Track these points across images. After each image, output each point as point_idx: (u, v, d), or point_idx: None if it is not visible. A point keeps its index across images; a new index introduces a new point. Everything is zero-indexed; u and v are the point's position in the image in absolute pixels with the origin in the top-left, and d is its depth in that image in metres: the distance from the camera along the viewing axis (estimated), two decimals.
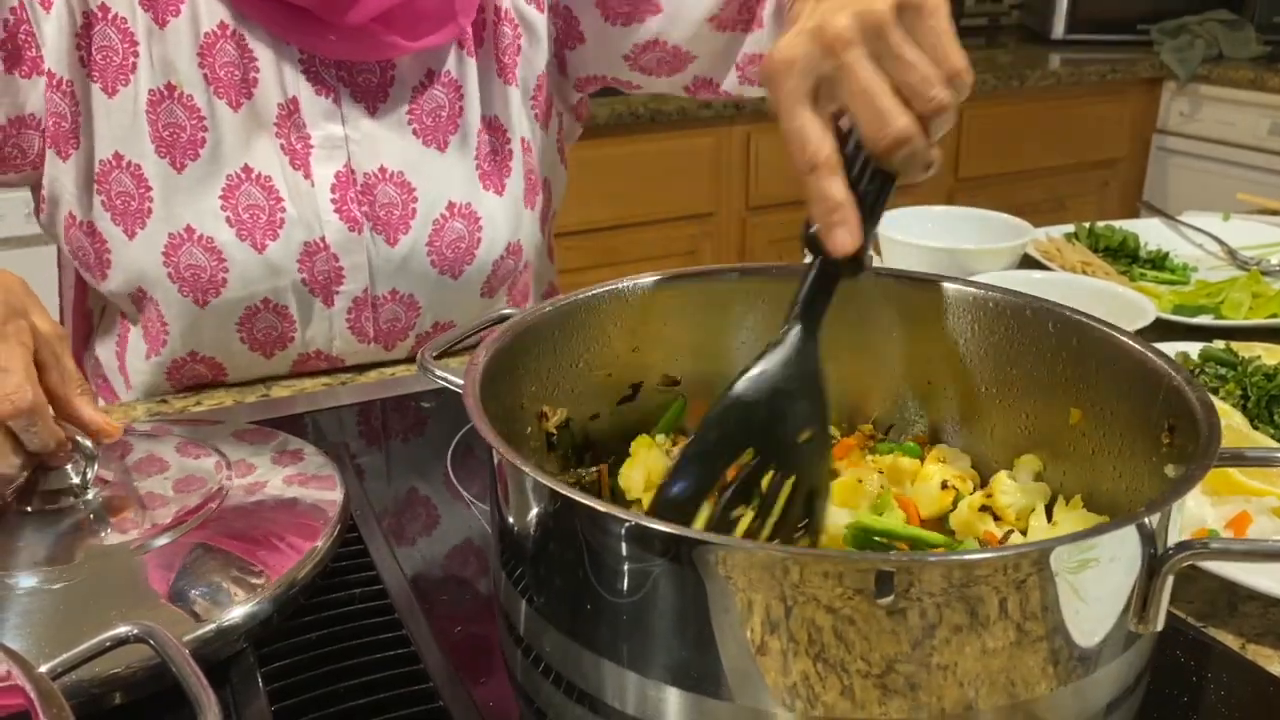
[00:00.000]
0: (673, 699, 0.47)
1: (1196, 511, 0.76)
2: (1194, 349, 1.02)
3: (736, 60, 1.04)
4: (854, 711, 0.45)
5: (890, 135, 0.53)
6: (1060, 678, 0.46)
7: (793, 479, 0.57)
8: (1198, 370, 0.98)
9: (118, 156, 0.91)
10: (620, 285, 0.69)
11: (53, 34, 0.87)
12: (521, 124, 1.03)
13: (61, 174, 0.91)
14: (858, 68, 0.54)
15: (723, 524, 0.56)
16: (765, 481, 0.57)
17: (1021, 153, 2.94)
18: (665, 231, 2.61)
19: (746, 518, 0.57)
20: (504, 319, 0.66)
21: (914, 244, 1.24)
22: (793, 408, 0.58)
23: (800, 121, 0.55)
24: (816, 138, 0.55)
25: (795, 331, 0.59)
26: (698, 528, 0.56)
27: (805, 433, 0.58)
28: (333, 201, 0.94)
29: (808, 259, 0.59)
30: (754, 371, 0.59)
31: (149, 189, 0.91)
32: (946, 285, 0.69)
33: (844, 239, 0.55)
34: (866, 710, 0.45)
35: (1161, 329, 1.12)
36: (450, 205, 0.98)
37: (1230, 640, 0.67)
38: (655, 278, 0.70)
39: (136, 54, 0.89)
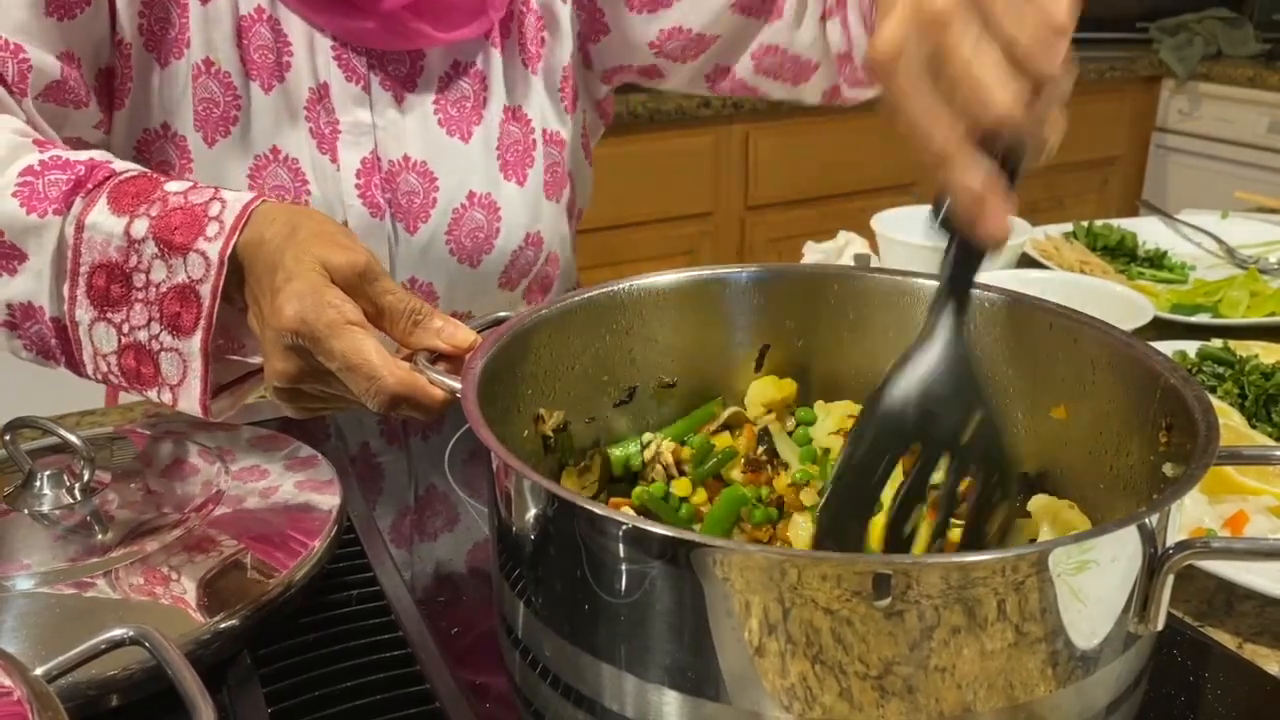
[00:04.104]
0: (671, 702, 0.47)
1: (1193, 511, 0.76)
2: (1192, 348, 1.02)
3: (752, 49, 1.05)
4: (852, 714, 0.45)
5: (993, 117, 0.50)
6: (1060, 679, 0.46)
7: (972, 468, 0.54)
8: (1195, 369, 0.98)
9: (165, 127, 0.91)
10: (617, 287, 0.69)
11: None
12: (546, 115, 1.04)
13: (114, 133, 0.91)
14: (959, 46, 0.50)
15: (898, 525, 0.54)
16: (941, 475, 0.54)
17: None
18: (664, 231, 2.61)
19: (926, 521, 0.54)
20: (501, 320, 0.66)
21: (913, 244, 1.24)
22: (952, 401, 0.55)
23: (917, 115, 0.51)
24: (942, 131, 0.51)
25: (944, 321, 0.56)
26: (874, 541, 0.53)
27: (974, 417, 0.55)
28: (357, 187, 0.95)
29: (939, 231, 0.56)
30: (905, 375, 0.55)
31: (189, 161, 0.91)
32: None
33: (993, 227, 0.53)
34: (864, 712, 0.45)
35: (1159, 328, 1.12)
36: (471, 195, 0.99)
37: (1227, 639, 0.67)
38: (652, 279, 0.70)
39: (189, 28, 0.89)
